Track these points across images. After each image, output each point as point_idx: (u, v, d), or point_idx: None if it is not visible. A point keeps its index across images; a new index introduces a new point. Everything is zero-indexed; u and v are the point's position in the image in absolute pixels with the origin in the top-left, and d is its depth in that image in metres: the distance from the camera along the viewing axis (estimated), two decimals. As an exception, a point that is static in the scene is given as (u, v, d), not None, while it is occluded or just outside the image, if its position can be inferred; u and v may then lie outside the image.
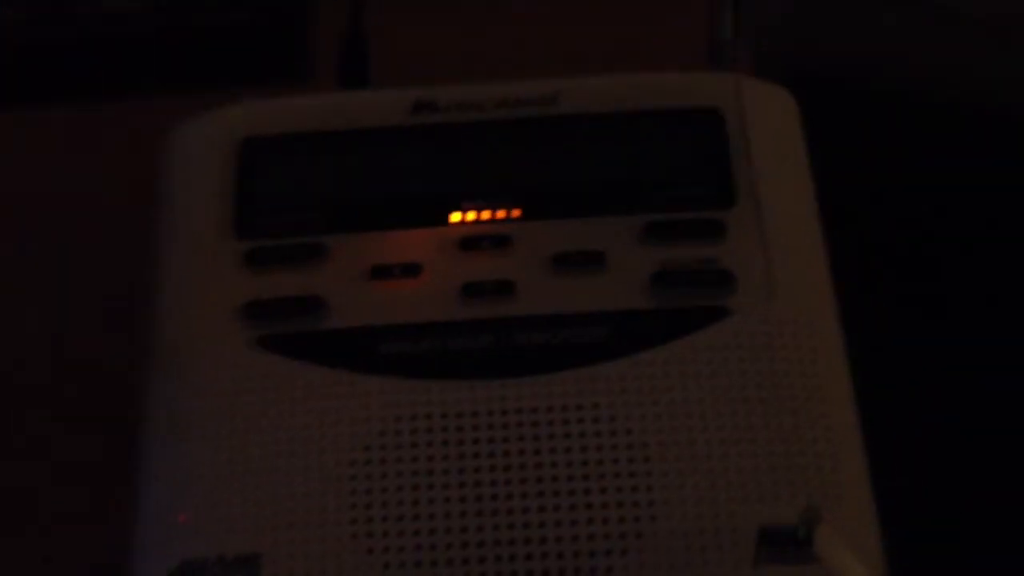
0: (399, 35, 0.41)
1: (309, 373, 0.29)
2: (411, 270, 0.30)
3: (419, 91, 0.33)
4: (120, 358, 0.34)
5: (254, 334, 0.29)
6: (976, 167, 0.36)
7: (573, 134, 0.32)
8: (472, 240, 0.31)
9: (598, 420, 0.28)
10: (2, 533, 0.34)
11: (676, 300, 0.29)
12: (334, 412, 0.28)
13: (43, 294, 0.38)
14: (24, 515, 0.34)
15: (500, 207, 0.31)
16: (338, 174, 0.32)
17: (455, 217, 0.31)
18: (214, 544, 0.27)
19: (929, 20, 0.35)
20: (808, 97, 0.32)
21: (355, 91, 0.38)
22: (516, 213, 0.31)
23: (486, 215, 0.31)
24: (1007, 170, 0.35)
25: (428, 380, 0.29)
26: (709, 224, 0.30)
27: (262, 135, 0.32)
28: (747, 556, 0.27)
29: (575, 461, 0.28)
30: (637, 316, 0.29)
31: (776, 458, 0.27)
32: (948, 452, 0.33)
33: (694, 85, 0.33)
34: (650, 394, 0.28)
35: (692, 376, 0.28)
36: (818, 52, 0.35)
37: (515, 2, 0.43)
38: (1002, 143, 0.35)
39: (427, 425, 0.28)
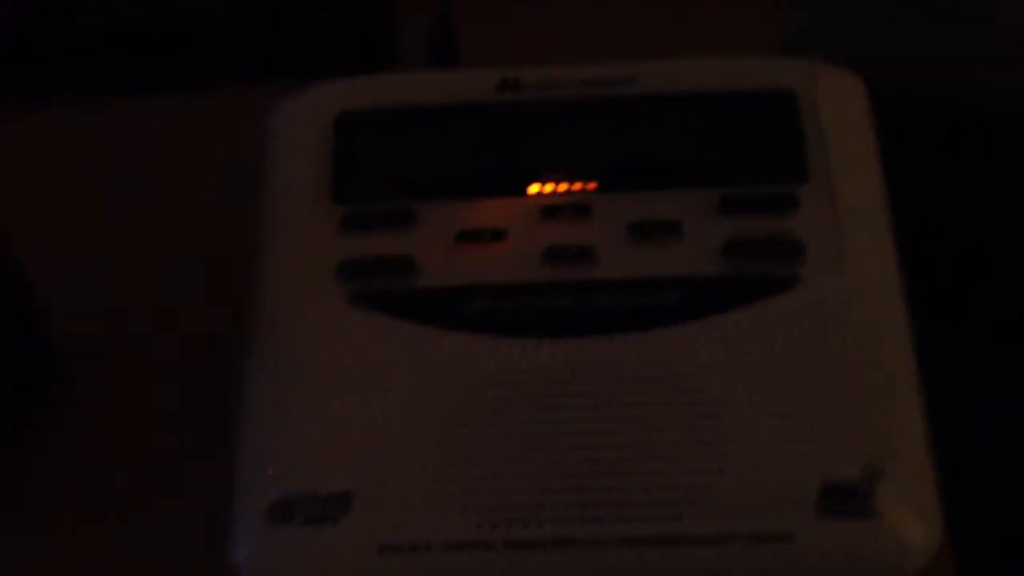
0: (484, 24, 0.43)
1: (400, 328, 0.31)
2: (496, 235, 0.32)
3: (504, 70, 0.35)
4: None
5: (350, 291, 0.31)
6: (981, 168, 0.36)
7: (650, 112, 0.34)
8: (554, 208, 0.32)
9: (672, 378, 0.29)
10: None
11: (749, 268, 0.31)
12: (422, 365, 0.30)
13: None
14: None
15: (580, 179, 0.33)
16: (427, 146, 0.34)
17: (536, 188, 0.33)
18: (308, 482, 0.29)
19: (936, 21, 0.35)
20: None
21: (444, 69, 0.40)
22: (594, 185, 0.33)
23: (566, 186, 0.33)
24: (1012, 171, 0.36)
25: (511, 338, 0.30)
26: (782, 198, 0.32)
27: (358, 110, 0.34)
28: (811, 509, 0.28)
29: (648, 417, 0.29)
30: (710, 282, 0.31)
31: (840, 418, 0.29)
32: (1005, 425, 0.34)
33: (768, 69, 0.34)
34: (721, 356, 0.30)
35: (762, 340, 0.30)
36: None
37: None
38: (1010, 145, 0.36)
39: (509, 379, 0.30)
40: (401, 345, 0.30)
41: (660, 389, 0.29)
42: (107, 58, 0.44)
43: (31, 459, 0.36)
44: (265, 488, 0.29)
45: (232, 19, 0.44)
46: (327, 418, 0.30)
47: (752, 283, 0.31)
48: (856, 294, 0.30)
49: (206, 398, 0.34)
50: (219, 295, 0.37)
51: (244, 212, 0.34)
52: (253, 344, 0.31)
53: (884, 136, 0.33)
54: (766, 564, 0.28)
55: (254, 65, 0.44)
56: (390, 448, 0.29)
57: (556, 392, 0.30)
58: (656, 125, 0.34)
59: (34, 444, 0.36)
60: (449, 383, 0.30)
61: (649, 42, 0.42)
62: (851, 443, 0.28)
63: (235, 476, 0.30)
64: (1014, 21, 0.35)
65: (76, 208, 0.41)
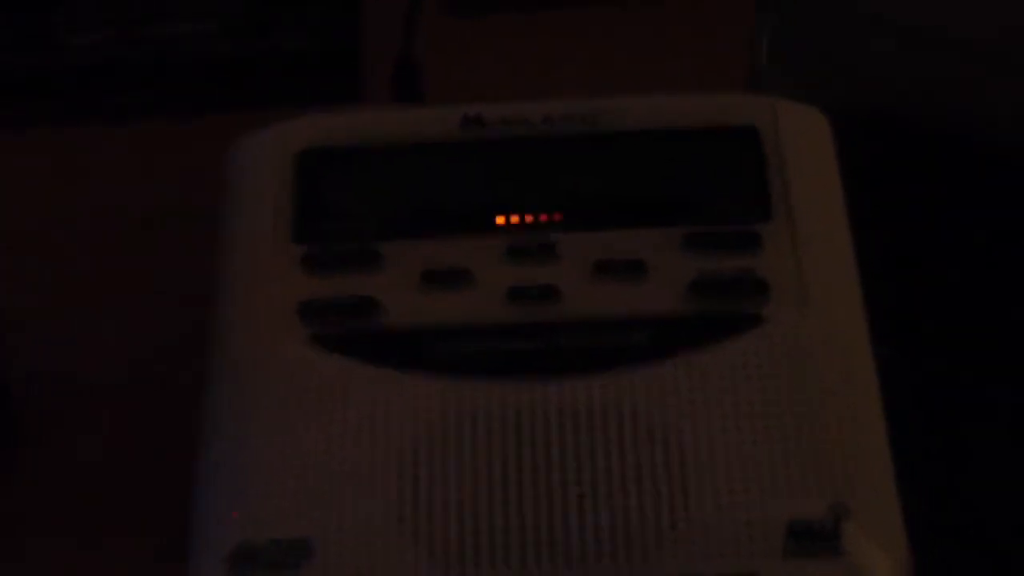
0: (447, 60, 0.43)
1: (361, 371, 0.30)
2: (460, 275, 0.32)
3: (468, 107, 0.35)
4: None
5: (310, 332, 0.31)
6: (967, 197, 0.37)
7: (616, 150, 0.34)
8: (518, 248, 0.32)
9: (636, 419, 0.29)
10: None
11: (713, 306, 0.31)
12: (384, 408, 0.30)
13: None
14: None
15: (545, 217, 0.33)
16: (391, 184, 0.34)
17: (502, 226, 0.33)
18: (268, 529, 0.29)
19: (926, 47, 0.36)
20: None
21: (408, 107, 0.40)
22: (558, 222, 0.33)
23: (530, 224, 0.33)
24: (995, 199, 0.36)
25: (475, 380, 0.30)
26: (745, 236, 0.32)
27: (320, 147, 0.34)
28: (777, 549, 0.28)
29: (613, 457, 0.29)
30: (675, 321, 0.31)
31: (805, 457, 0.29)
32: (967, 453, 0.34)
33: (732, 106, 0.34)
34: (687, 395, 0.29)
35: (727, 379, 0.30)
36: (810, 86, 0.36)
37: (552, 30, 0.45)
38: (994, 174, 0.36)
39: (472, 423, 0.30)
40: (363, 387, 0.30)
41: (625, 429, 0.29)
42: (79, 88, 0.43)
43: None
44: (225, 534, 0.29)
45: (198, 53, 0.44)
46: (287, 462, 0.29)
47: (717, 322, 0.31)
48: (821, 332, 0.30)
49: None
50: (194, 335, 0.37)
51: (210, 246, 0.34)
52: (212, 386, 0.31)
53: (850, 161, 0.33)
54: None
55: (218, 97, 0.44)
56: (352, 493, 0.29)
57: (520, 434, 0.29)
58: (620, 163, 0.34)
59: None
60: (411, 426, 0.30)
61: (615, 75, 0.43)
62: (817, 482, 0.28)
63: (192, 521, 0.29)
64: (987, 46, 0.36)
65: (48, 241, 0.41)
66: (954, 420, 0.34)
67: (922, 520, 0.29)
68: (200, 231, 0.35)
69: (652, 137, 0.34)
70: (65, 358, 0.38)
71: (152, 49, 0.43)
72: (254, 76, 0.44)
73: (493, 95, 0.36)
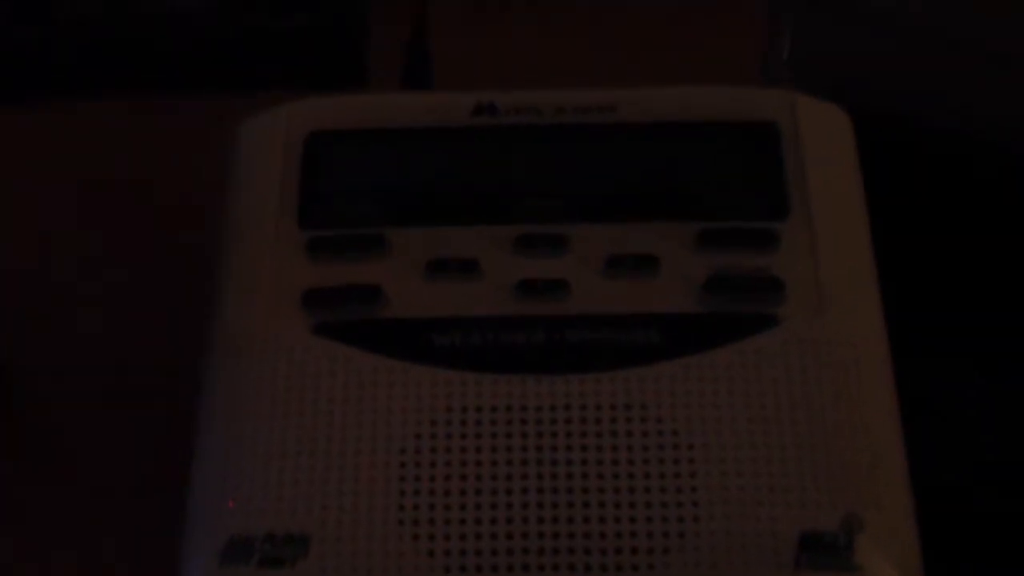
0: (457, 45, 0.42)
1: (364, 361, 0.29)
2: (468, 265, 0.31)
3: (480, 94, 0.34)
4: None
5: (313, 321, 0.30)
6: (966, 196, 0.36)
7: (630, 142, 0.33)
8: (528, 239, 0.31)
9: (645, 420, 0.28)
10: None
11: (727, 306, 0.30)
12: (387, 400, 0.29)
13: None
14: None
15: (555, 209, 0.32)
16: (399, 170, 0.33)
17: (512, 216, 0.32)
18: (264, 523, 0.28)
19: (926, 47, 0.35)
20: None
21: (418, 92, 0.39)
22: (570, 215, 0.32)
23: (541, 216, 0.32)
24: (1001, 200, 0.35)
25: (480, 373, 0.29)
26: (762, 234, 0.31)
27: (327, 130, 0.33)
28: (787, 561, 0.27)
29: (621, 460, 0.28)
30: (688, 320, 0.30)
31: (819, 465, 0.28)
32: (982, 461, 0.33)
33: (751, 99, 0.33)
34: (698, 397, 0.29)
35: (739, 381, 0.29)
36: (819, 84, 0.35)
37: (564, 23, 0.44)
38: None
39: (477, 417, 0.29)
40: (365, 378, 0.29)
41: (634, 431, 0.28)
42: (77, 61, 0.43)
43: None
44: (220, 527, 0.28)
45: (202, 30, 0.43)
46: (287, 453, 0.29)
47: (730, 322, 0.30)
48: (838, 336, 0.30)
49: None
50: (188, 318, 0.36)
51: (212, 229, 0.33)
52: (210, 374, 0.30)
53: (868, 162, 0.32)
54: None
55: (223, 77, 0.43)
56: (352, 487, 0.28)
57: (525, 432, 0.29)
58: (635, 155, 0.33)
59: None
60: (415, 419, 0.29)
61: (631, 66, 0.42)
62: (830, 493, 0.28)
63: (187, 513, 0.29)
64: (1000, 47, 0.35)
65: (45, 214, 0.40)
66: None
67: (935, 534, 0.28)
68: (199, 212, 0.34)
69: (668, 129, 0.33)
70: (55, 339, 0.37)
71: (153, 25, 0.42)
72: (257, 55, 0.43)
73: (504, 84, 0.35)
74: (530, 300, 0.30)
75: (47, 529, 0.34)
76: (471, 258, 0.31)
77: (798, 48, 0.36)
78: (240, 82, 0.42)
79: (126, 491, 0.34)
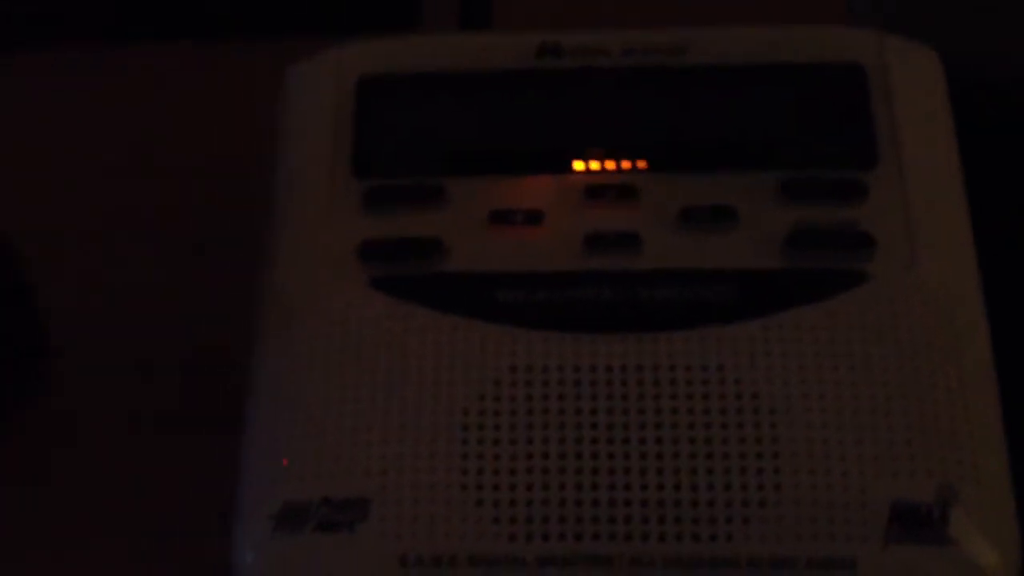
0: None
1: (424, 317, 0.28)
2: (532, 217, 0.29)
3: (544, 34, 0.32)
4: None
5: (370, 275, 0.29)
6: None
7: (704, 85, 0.31)
8: (597, 189, 0.30)
9: (724, 382, 0.27)
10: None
11: (811, 262, 0.28)
12: (448, 358, 0.28)
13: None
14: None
15: (626, 157, 0.30)
16: (458, 116, 0.31)
17: (579, 165, 0.30)
18: (320, 486, 0.27)
19: None
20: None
21: (476, 32, 0.37)
22: (642, 164, 0.30)
23: (611, 165, 0.30)
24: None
25: (546, 331, 0.28)
26: (849, 184, 0.29)
27: (383, 73, 0.32)
28: (877, 533, 0.25)
29: (697, 423, 0.27)
30: (769, 276, 0.28)
31: (910, 432, 0.26)
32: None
33: (834, 40, 0.31)
34: (780, 359, 0.27)
35: (825, 343, 0.27)
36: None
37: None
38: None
39: (543, 377, 0.27)
40: (426, 335, 0.28)
41: (710, 394, 0.27)
42: (120, 6, 0.41)
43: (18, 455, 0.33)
44: (275, 491, 0.27)
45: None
46: (343, 415, 0.27)
47: (815, 279, 0.28)
48: (930, 293, 0.28)
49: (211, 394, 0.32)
50: (227, 275, 0.34)
51: (255, 185, 0.31)
52: (263, 332, 0.29)
53: (961, 121, 0.30)
54: None
55: (270, 22, 0.41)
56: (413, 449, 0.27)
57: (595, 393, 0.27)
58: (711, 99, 0.31)
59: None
60: (479, 378, 0.27)
61: (704, 4, 0.40)
62: (924, 461, 0.26)
63: (241, 476, 0.27)
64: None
65: (75, 166, 0.39)
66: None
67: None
68: (247, 167, 0.33)
69: (746, 72, 0.31)
70: (79, 297, 0.36)
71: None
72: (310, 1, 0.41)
73: (568, 23, 0.33)
74: (599, 254, 0.29)
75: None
76: (536, 209, 0.29)
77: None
78: (289, 27, 0.41)
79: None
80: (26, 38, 0.41)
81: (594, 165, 0.30)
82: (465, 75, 0.31)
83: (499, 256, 0.29)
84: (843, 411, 0.26)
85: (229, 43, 0.41)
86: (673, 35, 0.32)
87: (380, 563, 0.26)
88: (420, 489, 0.27)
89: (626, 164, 0.30)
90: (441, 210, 0.30)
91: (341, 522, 0.26)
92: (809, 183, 0.29)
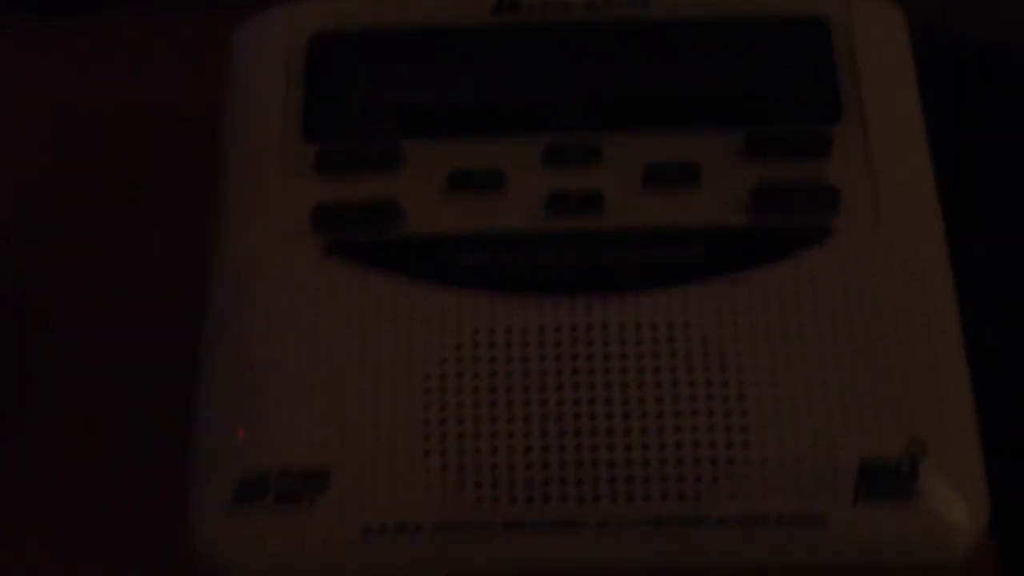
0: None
1: (383, 282, 0.27)
2: (493, 178, 0.29)
3: None
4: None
5: (326, 240, 0.28)
6: None
7: (666, 40, 0.30)
8: (557, 149, 0.29)
9: (689, 341, 0.27)
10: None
11: (776, 219, 0.28)
12: (408, 324, 0.27)
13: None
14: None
15: (588, 116, 0.29)
16: (414, 75, 0.31)
17: (539, 125, 0.30)
18: (278, 457, 0.26)
19: None
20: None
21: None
22: (602, 124, 0.29)
23: (572, 124, 0.29)
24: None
25: (508, 294, 0.27)
26: (813, 139, 0.29)
27: (335, 31, 0.31)
28: (846, 489, 0.25)
29: (664, 383, 0.26)
30: (734, 234, 0.28)
31: (877, 388, 0.26)
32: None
33: None
34: (746, 317, 0.27)
35: (791, 300, 0.27)
36: None
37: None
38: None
39: (506, 341, 0.27)
40: (385, 301, 0.27)
41: (677, 353, 0.26)
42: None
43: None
44: (231, 464, 0.26)
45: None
46: (301, 384, 0.27)
47: (780, 235, 0.27)
48: (896, 249, 0.27)
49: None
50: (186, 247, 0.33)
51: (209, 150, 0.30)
52: (216, 301, 0.28)
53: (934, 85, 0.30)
54: (795, 549, 0.25)
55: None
56: (373, 417, 0.26)
57: (559, 355, 0.27)
58: (673, 55, 0.30)
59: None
60: (439, 344, 0.27)
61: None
62: (891, 417, 0.26)
63: (195, 451, 0.27)
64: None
65: (29, 146, 0.37)
66: None
67: (1000, 460, 0.26)
68: (197, 129, 0.32)
69: (709, 27, 0.30)
70: (44, 268, 0.35)
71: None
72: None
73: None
74: (561, 215, 0.28)
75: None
76: (496, 170, 0.29)
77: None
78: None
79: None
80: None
81: (555, 124, 0.30)
82: (420, 32, 0.31)
83: (459, 219, 0.28)
84: (809, 368, 0.26)
85: (176, 12, 0.40)
86: None
87: (342, 534, 0.26)
88: (381, 457, 0.26)
89: (587, 123, 0.29)
90: (397, 173, 0.29)
91: (301, 493, 0.26)
92: (773, 138, 0.29)
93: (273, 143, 0.29)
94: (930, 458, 0.25)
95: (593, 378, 0.26)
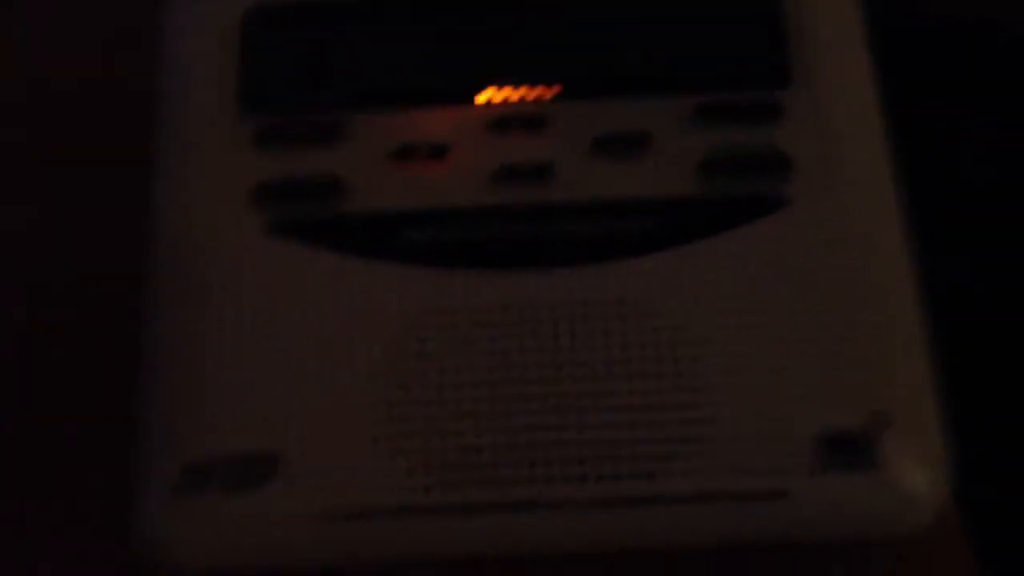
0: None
1: (327, 261, 0.27)
2: (437, 151, 0.28)
3: None
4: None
5: (266, 219, 0.27)
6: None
7: (614, 8, 0.30)
8: (504, 120, 0.28)
9: (642, 316, 0.26)
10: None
11: (728, 187, 0.27)
12: (353, 303, 0.26)
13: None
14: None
15: (534, 85, 0.29)
16: (354, 46, 0.30)
17: (483, 96, 0.29)
18: (227, 442, 0.25)
19: None
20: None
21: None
22: (552, 92, 0.29)
23: (518, 94, 0.29)
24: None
25: (456, 270, 0.27)
26: (763, 105, 0.28)
27: (265, 4, 0.30)
28: (807, 463, 0.25)
29: (616, 359, 0.26)
30: (685, 204, 0.27)
31: (835, 359, 0.26)
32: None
33: None
34: (700, 289, 0.26)
35: (745, 270, 0.26)
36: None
37: None
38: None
39: (454, 319, 0.26)
40: (329, 280, 0.26)
41: (631, 328, 0.26)
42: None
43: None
44: (174, 451, 0.25)
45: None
46: (245, 367, 0.26)
47: (732, 204, 0.27)
48: (850, 215, 0.27)
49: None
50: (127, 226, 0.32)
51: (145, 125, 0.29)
52: (155, 283, 0.27)
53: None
54: (757, 524, 0.25)
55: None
56: (320, 400, 0.25)
57: (510, 333, 0.26)
58: (620, 23, 0.29)
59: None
60: (386, 323, 0.26)
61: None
62: (850, 388, 0.25)
63: (138, 440, 0.26)
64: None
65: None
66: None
67: (961, 429, 0.26)
68: (132, 105, 0.31)
69: None
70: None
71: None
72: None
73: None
74: (509, 187, 0.27)
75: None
76: (440, 143, 0.28)
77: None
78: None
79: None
80: None
81: (500, 95, 0.29)
82: (359, 3, 0.30)
83: (403, 194, 0.27)
84: (766, 340, 0.26)
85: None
86: None
87: (291, 522, 0.25)
88: (330, 441, 0.25)
89: (533, 93, 0.29)
90: (339, 147, 0.28)
91: (248, 480, 0.25)
92: (722, 106, 0.28)
93: (210, 119, 0.28)
94: (890, 429, 0.25)
95: (544, 356, 0.26)
